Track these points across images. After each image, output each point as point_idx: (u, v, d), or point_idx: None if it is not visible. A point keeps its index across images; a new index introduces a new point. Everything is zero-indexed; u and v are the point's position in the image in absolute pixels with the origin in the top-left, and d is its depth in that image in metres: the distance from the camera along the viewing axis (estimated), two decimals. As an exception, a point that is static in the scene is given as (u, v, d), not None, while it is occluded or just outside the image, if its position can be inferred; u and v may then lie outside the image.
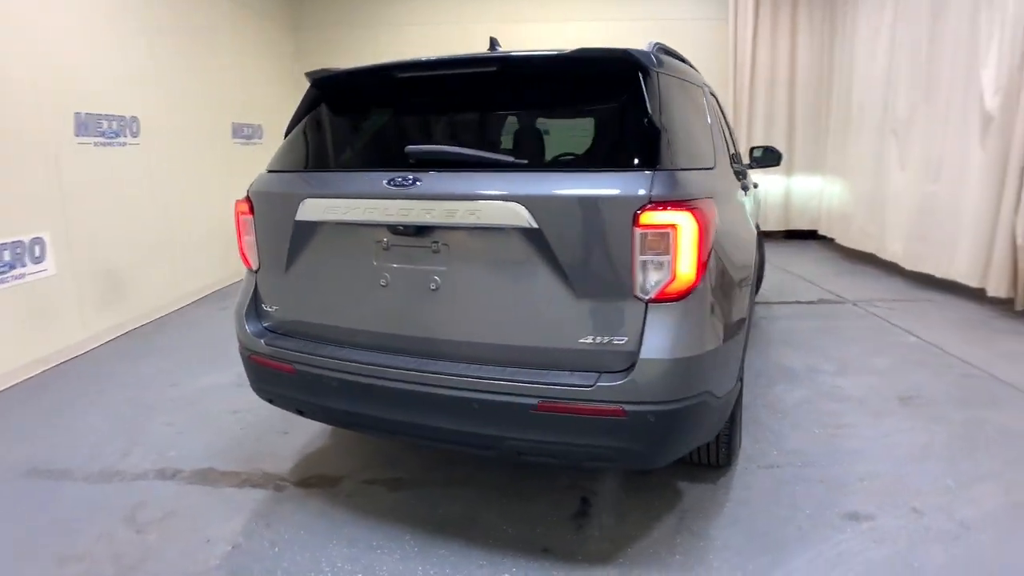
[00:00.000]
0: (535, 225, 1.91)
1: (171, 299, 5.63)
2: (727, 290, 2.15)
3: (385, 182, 2.08)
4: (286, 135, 2.52)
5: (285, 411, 2.59)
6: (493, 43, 2.56)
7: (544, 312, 1.99)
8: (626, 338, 1.94)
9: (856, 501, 2.60)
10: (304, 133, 2.47)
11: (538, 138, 2.41)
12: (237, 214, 2.46)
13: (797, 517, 2.50)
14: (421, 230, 2.06)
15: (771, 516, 2.51)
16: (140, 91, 5.18)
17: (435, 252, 2.07)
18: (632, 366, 1.92)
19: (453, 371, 2.04)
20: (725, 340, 2.10)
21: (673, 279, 1.90)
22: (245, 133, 7.01)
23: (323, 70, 2.45)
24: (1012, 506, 2.55)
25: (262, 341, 2.38)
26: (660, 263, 1.88)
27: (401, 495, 2.69)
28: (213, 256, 6.37)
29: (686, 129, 2.20)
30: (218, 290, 6.44)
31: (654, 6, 8.31)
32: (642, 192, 1.86)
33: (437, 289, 2.08)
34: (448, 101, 2.38)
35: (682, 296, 1.92)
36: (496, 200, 1.94)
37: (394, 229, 2.09)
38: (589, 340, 1.96)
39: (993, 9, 4.94)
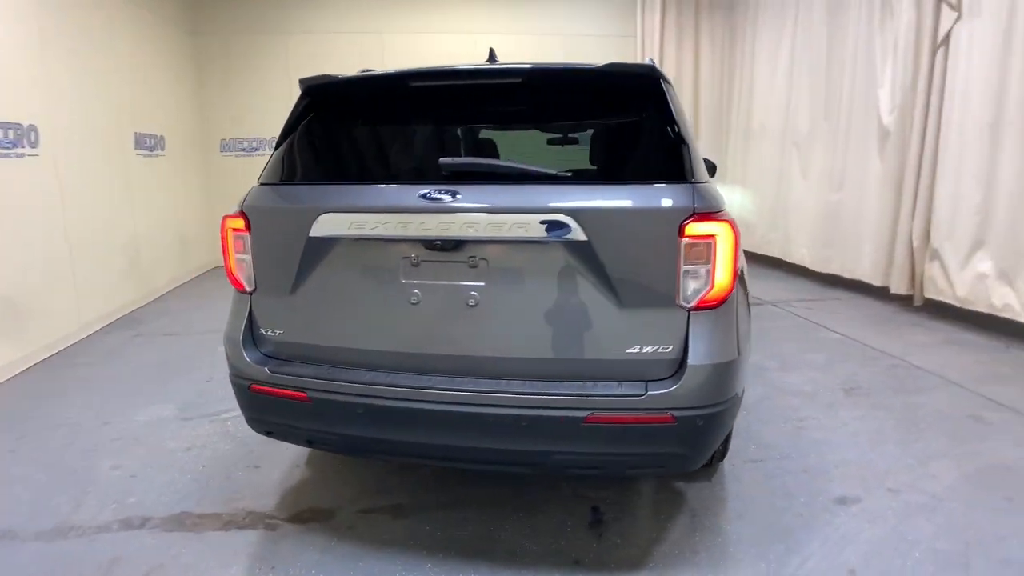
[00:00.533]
0: (584, 238, 1.91)
1: (77, 327, 5.04)
2: (746, 296, 2.26)
3: (419, 195, 1.99)
4: (278, 145, 2.34)
5: (248, 445, 2.39)
6: (492, 54, 2.52)
7: (590, 324, 1.98)
8: (671, 346, 1.98)
9: (840, 486, 2.79)
10: (304, 143, 2.30)
11: (566, 150, 2.40)
12: (227, 231, 2.24)
13: (794, 506, 2.64)
14: (457, 245, 1.99)
15: (771, 507, 2.64)
16: (38, 96, 4.63)
17: (472, 267, 2.01)
18: (676, 373, 1.97)
19: (498, 388, 1.98)
20: (746, 342, 2.19)
21: (712, 287, 1.96)
22: (148, 144, 6.44)
23: (322, 76, 2.31)
24: (966, 477, 2.84)
25: (266, 369, 2.18)
26: (701, 272, 1.94)
27: (407, 522, 2.56)
28: (119, 278, 5.79)
29: (695, 142, 2.30)
30: (128, 314, 5.85)
31: (566, 22, 8.54)
32: (686, 204, 1.92)
33: (476, 305, 2.02)
34: (468, 112, 2.31)
35: (719, 303, 1.99)
36: (546, 213, 1.92)
37: (429, 244, 2.00)
38: (636, 350, 1.98)
39: (886, 34, 5.55)
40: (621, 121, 2.21)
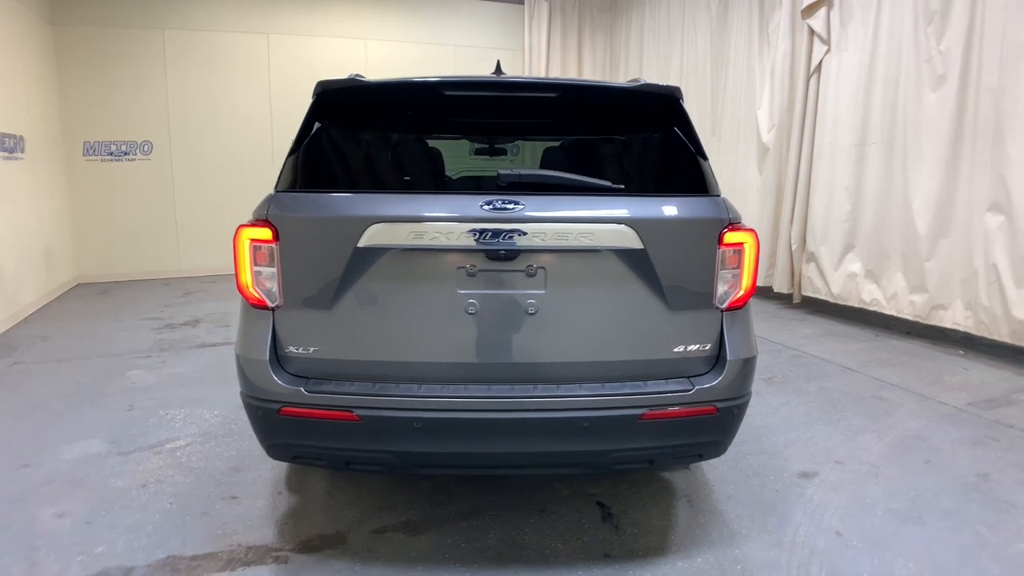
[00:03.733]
0: (641, 246, 2.03)
1: (-64, 360, 4.26)
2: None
3: (481, 205, 2.00)
4: (294, 149, 2.20)
5: (212, 476, 2.21)
6: (498, 67, 2.56)
7: (642, 326, 2.11)
8: (709, 344, 2.17)
9: (796, 463, 3.14)
10: (330, 149, 2.18)
11: (603, 163, 2.46)
12: (243, 242, 2.07)
13: (767, 483, 2.94)
14: (517, 254, 2.02)
15: (749, 486, 2.91)
16: None
17: (530, 276, 2.05)
18: (713, 368, 2.16)
19: (558, 393, 2.03)
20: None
21: (740, 289, 2.18)
22: (7, 146, 5.58)
23: (347, 80, 2.21)
24: (889, 447, 3.32)
25: (301, 389, 2.04)
26: (733, 276, 2.15)
27: (427, 537, 2.50)
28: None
29: None
30: (-10, 343, 5.03)
31: (455, 33, 8.63)
32: (723, 216, 2.12)
33: (536, 313, 2.06)
34: (498, 122, 2.32)
35: (744, 304, 2.21)
36: (609, 223, 2.02)
37: (488, 254, 2.01)
38: (681, 349, 2.14)
39: (764, 62, 6.27)
40: (650, 136, 2.35)
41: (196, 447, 3.24)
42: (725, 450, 2.31)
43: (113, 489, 2.84)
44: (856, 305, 5.60)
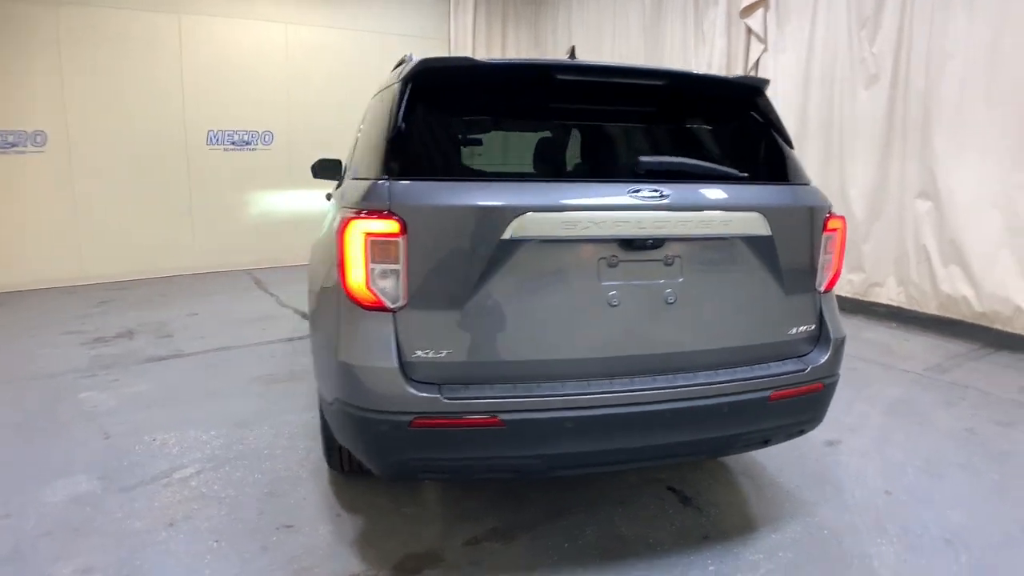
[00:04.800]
0: (769, 233, 2.06)
1: None
2: None
3: (629, 193, 1.92)
4: (394, 132, 1.97)
5: (249, 505, 2.13)
6: (572, 52, 2.47)
7: (765, 311, 2.15)
8: (813, 325, 2.26)
9: (819, 433, 3.22)
10: (442, 133, 2.01)
11: (705, 151, 2.42)
12: (355, 236, 1.84)
13: (804, 454, 3.10)
14: (661, 243, 1.97)
15: (790, 458, 3.05)
16: None
17: (668, 265, 2.01)
18: (815, 347, 2.24)
19: (699, 381, 2.02)
20: None
21: (834, 272, 2.29)
22: None
23: (462, 57, 2.03)
24: (885, 413, 3.63)
25: (439, 397, 1.85)
26: (830, 260, 2.25)
27: (523, 542, 2.39)
28: None
29: None
30: None
31: (380, 20, 8.24)
32: (826, 203, 2.23)
33: (674, 302, 2.02)
34: (605, 109, 2.23)
35: (833, 286, 2.32)
36: (745, 211, 2.03)
37: (628, 244, 1.94)
38: (793, 331, 2.21)
39: (700, 57, 6.59)
40: (745, 125, 2.37)
41: (210, 474, 2.86)
42: (819, 423, 2.42)
43: (134, 532, 2.44)
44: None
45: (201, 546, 2.36)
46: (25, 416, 3.46)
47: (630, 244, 1.96)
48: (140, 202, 6.95)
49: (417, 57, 2.48)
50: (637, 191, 1.95)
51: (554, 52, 8.80)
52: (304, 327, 5.21)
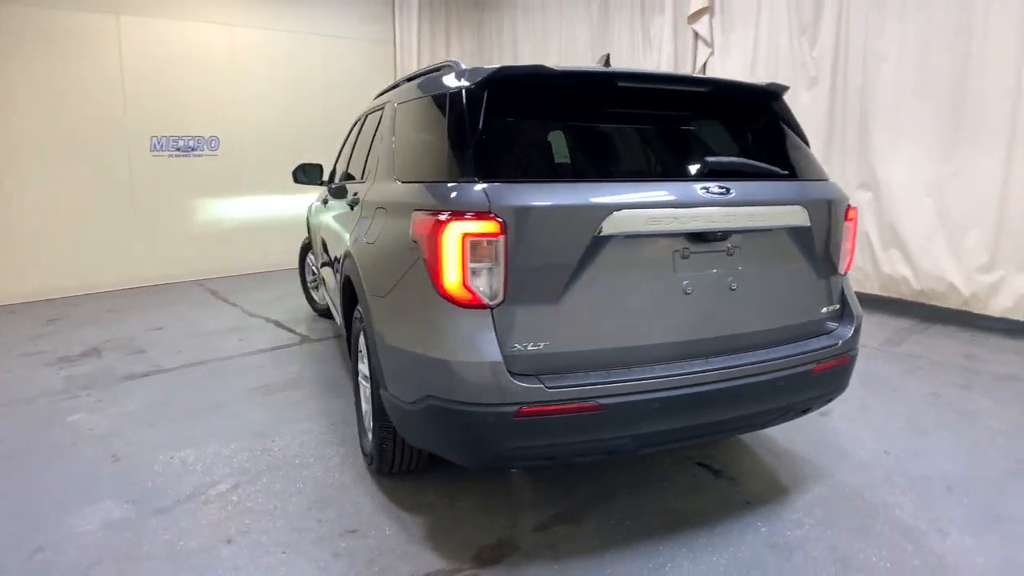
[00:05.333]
0: (808, 224, 2.30)
1: None
2: None
3: (700, 190, 2.10)
4: (473, 137, 2.04)
5: (305, 515, 2.29)
6: (607, 60, 2.61)
7: (804, 293, 2.39)
8: (837, 304, 2.53)
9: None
10: (524, 135, 2.10)
11: (742, 151, 2.58)
12: (455, 238, 1.90)
13: (804, 423, 3.34)
14: (728, 235, 2.16)
15: (794, 427, 3.29)
16: None
17: (729, 255, 2.20)
18: (841, 323, 2.51)
19: (759, 359, 2.22)
20: None
21: (851, 257, 2.56)
22: None
23: (537, 66, 2.12)
24: (861, 383, 3.93)
25: (542, 386, 1.93)
26: (848, 246, 2.52)
27: (591, 524, 2.49)
28: None
29: None
30: None
31: (326, 23, 8.09)
32: (846, 196, 2.50)
33: (736, 289, 2.21)
34: (657, 113, 2.39)
35: (849, 269, 2.59)
36: (792, 205, 2.26)
37: (698, 237, 2.11)
38: (825, 310, 2.47)
39: (648, 62, 6.91)
40: (770, 127, 2.59)
41: (248, 488, 2.79)
42: (844, 391, 2.68)
43: (191, 552, 2.36)
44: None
45: (270, 559, 2.32)
46: (17, 445, 3.22)
47: (701, 237, 2.13)
48: (81, 213, 6.51)
49: (461, 63, 2.57)
50: (707, 188, 2.12)
51: (499, 57, 8.93)
52: (283, 336, 5.08)
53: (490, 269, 1.93)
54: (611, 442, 2.07)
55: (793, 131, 2.59)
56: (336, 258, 3.45)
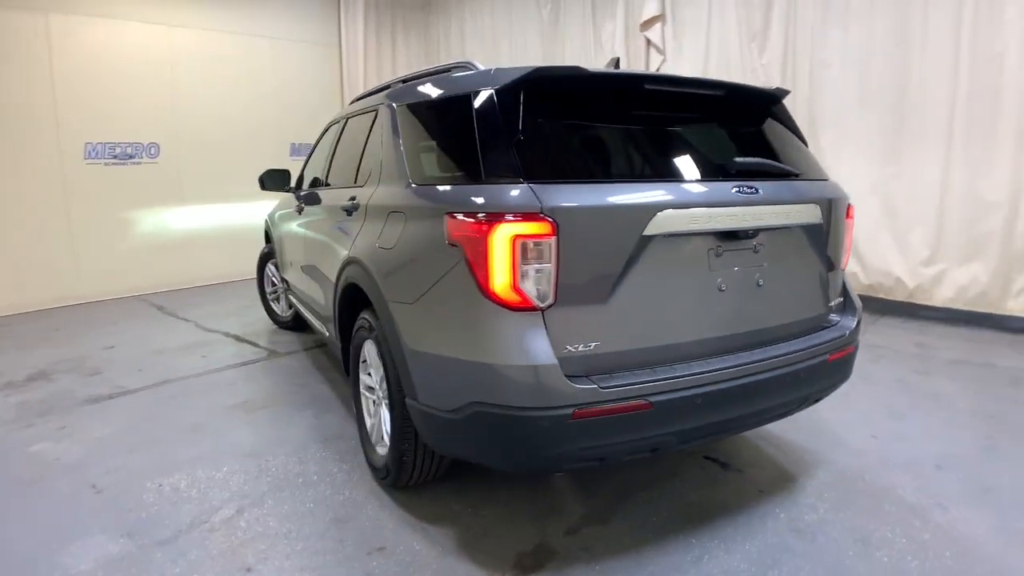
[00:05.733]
0: (821, 221, 2.40)
1: None
2: None
3: (732, 190, 2.16)
4: (514, 138, 2.01)
5: (319, 536, 2.25)
6: (617, 63, 2.64)
7: (818, 287, 2.49)
8: (841, 297, 2.65)
9: None
10: (563, 137, 2.10)
11: (752, 151, 2.62)
12: (505, 240, 1.87)
13: (800, 413, 3.51)
14: (756, 233, 2.22)
15: (787, 419, 3.44)
16: None
17: (756, 252, 2.26)
18: (844, 315, 2.64)
19: (784, 351, 2.29)
20: None
21: (848, 252, 2.69)
22: None
23: (574, 67, 2.12)
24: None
25: (596, 387, 1.93)
26: (847, 244, 2.66)
27: (617, 524, 2.50)
28: None
29: None
30: None
31: (269, 24, 7.77)
32: (847, 195, 2.62)
33: (763, 285, 2.28)
34: (679, 115, 2.43)
35: (847, 264, 2.72)
36: (809, 203, 2.36)
37: (730, 235, 2.17)
38: (832, 303, 2.58)
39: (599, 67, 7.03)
40: (773, 128, 2.67)
41: (254, 511, 2.63)
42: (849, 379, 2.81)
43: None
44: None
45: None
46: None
47: (733, 235, 2.19)
48: (12, 227, 6.00)
49: (476, 62, 2.54)
50: (739, 188, 2.18)
51: (447, 60, 8.86)
52: (248, 351, 4.84)
53: (541, 271, 1.90)
54: (657, 439, 2.08)
55: (794, 133, 2.70)
56: (327, 266, 3.32)
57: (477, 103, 2.17)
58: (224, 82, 7.31)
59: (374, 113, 3.13)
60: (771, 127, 2.66)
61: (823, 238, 2.48)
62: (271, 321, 5.58)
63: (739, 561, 2.27)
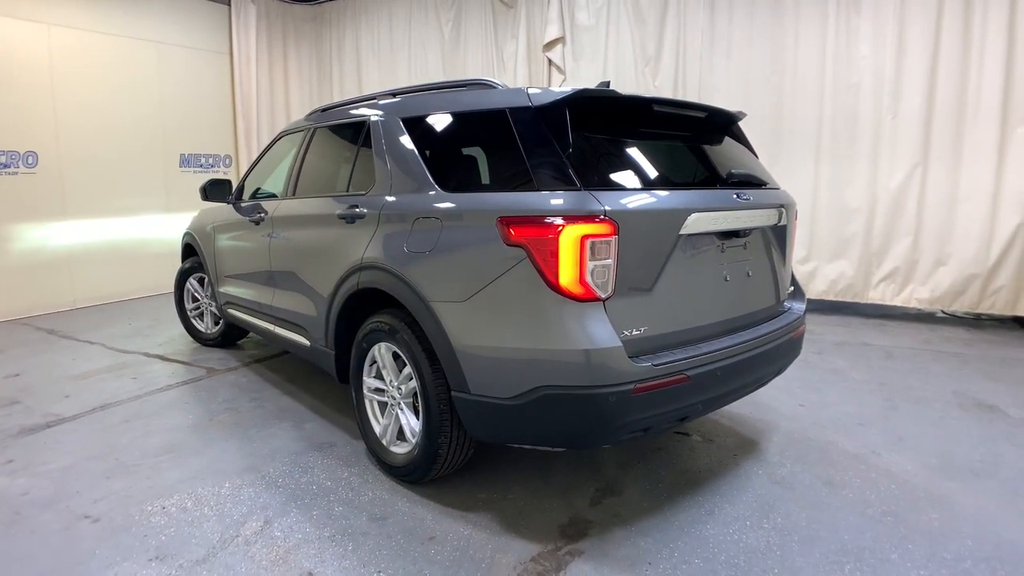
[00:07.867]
0: (785, 222, 2.91)
1: None
2: None
3: (735, 196, 2.57)
4: (566, 150, 2.29)
5: (369, 532, 2.38)
6: (607, 86, 2.96)
7: (780, 277, 2.99)
8: (792, 286, 3.18)
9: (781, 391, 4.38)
10: (605, 151, 2.46)
11: (726, 165, 2.99)
12: (573, 239, 2.13)
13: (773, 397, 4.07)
14: (749, 232, 2.66)
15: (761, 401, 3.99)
16: None
17: (744, 248, 2.70)
18: (796, 300, 3.18)
19: (767, 330, 2.75)
20: None
21: (793, 248, 3.24)
22: None
23: (610, 90, 2.48)
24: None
25: (650, 364, 2.23)
26: (794, 242, 3.20)
27: (630, 491, 2.81)
28: None
29: None
30: None
31: (157, 28, 7.19)
32: (794, 201, 3.13)
33: (751, 275, 2.73)
34: (679, 132, 2.83)
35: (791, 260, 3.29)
36: (777, 208, 2.83)
37: (731, 234, 2.58)
38: (788, 290, 3.09)
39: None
40: (740, 145, 3.12)
41: (283, 520, 2.61)
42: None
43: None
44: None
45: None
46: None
47: (733, 234, 2.61)
48: None
49: (495, 80, 2.77)
50: (739, 195, 2.61)
51: (340, 74, 8.78)
52: (180, 370, 4.57)
53: (604, 266, 2.18)
54: (689, 408, 2.43)
55: (748, 148, 3.20)
56: (317, 275, 3.31)
57: (523, 118, 2.40)
58: (109, 87, 6.71)
59: (363, 124, 3.20)
60: (733, 143, 3.14)
61: (783, 237, 2.98)
62: (192, 339, 5.27)
63: (742, 509, 2.67)
